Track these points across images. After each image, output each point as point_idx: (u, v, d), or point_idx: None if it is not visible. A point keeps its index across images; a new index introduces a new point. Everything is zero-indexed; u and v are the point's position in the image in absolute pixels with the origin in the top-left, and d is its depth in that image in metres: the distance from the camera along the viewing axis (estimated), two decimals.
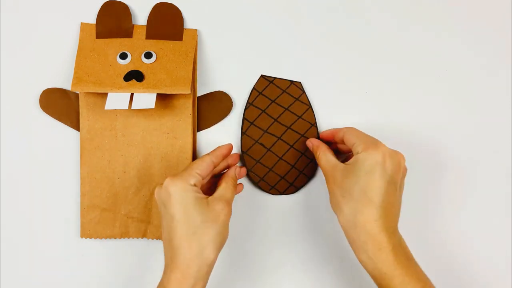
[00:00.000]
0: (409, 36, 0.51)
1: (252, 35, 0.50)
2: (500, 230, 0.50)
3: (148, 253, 0.49)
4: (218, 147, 0.46)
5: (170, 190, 0.41)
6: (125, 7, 0.49)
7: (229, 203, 0.43)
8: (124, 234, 0.49)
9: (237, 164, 0.48)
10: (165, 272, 0.41)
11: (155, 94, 0.46)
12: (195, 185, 0.42)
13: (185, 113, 0.49)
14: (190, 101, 0.49)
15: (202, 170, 0.43)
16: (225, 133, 0.50)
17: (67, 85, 0.49)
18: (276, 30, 0.50)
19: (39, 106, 0.48)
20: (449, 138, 0.50)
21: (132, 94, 0.46)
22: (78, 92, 0.48)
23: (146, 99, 0.46)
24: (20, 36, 0.49)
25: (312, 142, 0.48)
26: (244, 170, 0.48)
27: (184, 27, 0.49)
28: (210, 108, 0.50)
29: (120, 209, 0.48)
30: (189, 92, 0.46)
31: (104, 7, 0.48)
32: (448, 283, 0.49)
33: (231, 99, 0.50)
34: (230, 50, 0.50)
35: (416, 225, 0.50)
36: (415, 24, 0.51)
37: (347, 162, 0.43)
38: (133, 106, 0.45)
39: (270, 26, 0.50)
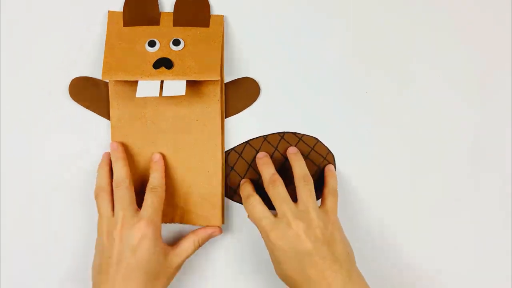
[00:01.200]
0: (409, 36, 0.50)
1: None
2: (500, 230, 0.51)
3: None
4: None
5: (146, 233, 0.43)
6: None
7: (185, 259, 0.47)
8: None
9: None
10: None
11: (185, 81, 0.46)
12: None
13: (214, 100, 0.49)
14: (218, 87, 0.49)
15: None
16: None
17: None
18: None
19: (69, 95, 0.49)
20: (449, 138, 0.50)
21: (162, 82, 0.46)
22: (107, 81, 0.49)
23: (176, 86, 0.46)
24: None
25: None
26: (218, 232, 0.49)
27: (210, 14, 0.49)
28: (238, 94, 0.50)
29: None
30: (218, 78, 0.46)
31: None
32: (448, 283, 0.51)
33: (258, 85, 0.50)
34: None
35: (415, 225, 0.51)
36: (415, 24, 0.50)
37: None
38: (164, 93, 0.45)
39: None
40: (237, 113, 0.50)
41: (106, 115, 0.49)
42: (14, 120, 0.49)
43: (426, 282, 0.51)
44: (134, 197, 0.46)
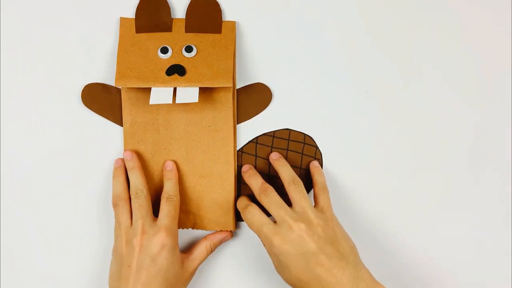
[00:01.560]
0: (409, 36, 0.50)
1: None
2: (500, 230, 0.51)
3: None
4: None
5: (166, 243, 0.44)
6: (164, 1, 0.48)
7: (199, 264, 0.48)
8: None
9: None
10: None
11: (198, 88, 0.46)
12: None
13: (226, 106, 0.49)
14: (231, 94, 0.49)
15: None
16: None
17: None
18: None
19: (81, 102, 0.49)
20: (449, 138, 0.51)
21: (174, 89, 0.46)
22: (119, 87, 0.49)
23: (189, 93, 0.46)
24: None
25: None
26: (229, 237, 0.50)
27: (222, 20, 0.49)
28: (250, 100, 0.50)
29: None
30: (231, 85, 0.46)
31: (143, 1, 0.48)
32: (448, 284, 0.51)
33: (270, 91, 0.50)
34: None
35: (415, 225, 0.51)
36: (415, 24, 0.50)
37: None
38: (177, 101, 0.46)
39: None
40: (249, 118, 0.50)
41: (119, 121, 0.49)
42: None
43: (426, 281, 0.51)
44: (151, 206, 0.46)
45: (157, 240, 0.44)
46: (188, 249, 0.48)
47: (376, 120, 0.50)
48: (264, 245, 0.46)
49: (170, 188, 0.47)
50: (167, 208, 0.46)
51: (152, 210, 0.46)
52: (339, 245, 0.43)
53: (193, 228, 0.50)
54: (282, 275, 0.45)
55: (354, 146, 0.51)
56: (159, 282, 0.43)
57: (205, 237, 0.49)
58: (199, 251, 0.48)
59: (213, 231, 0.50)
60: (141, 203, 0.46)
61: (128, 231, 0.45)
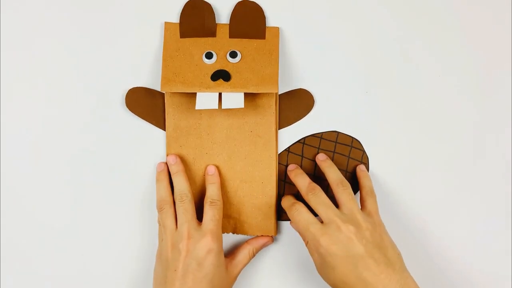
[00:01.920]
0: (409, 36, 0.50)
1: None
2: (500, 232, 0.51)
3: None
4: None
5: (212, 248, 0.44)
6: (208, 6, 0.49)
7: (242, 269, 0.48)
8: None
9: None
10: None
11: (243, 94, 0.46)
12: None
13: (268, 112, 0.49)
14: (273, 99, 0.49)
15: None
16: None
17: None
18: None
19: (125, 106, 0.49)
20: (449, 138, 0.51)
21: (220, 94, 0.47)
22: (163, 91, 0.49)
23: (234, 99, 0.46)
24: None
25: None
26: (270, 242, 0.50)
27: (266, 25, 0.49)
28: (291, 106, 0.50)
29: None
30: (277, 91, 0.47)
31: (187, 6, 0.49)
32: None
33: (312, 97, 0.50)
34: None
35: (415, 225, 0.51)
36: (415, 24, 0.50)
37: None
38: (223, 106, 0.46)
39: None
40: (290, 124, 0.50)
41: (162, 126, 0.50)
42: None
43: (427, 281, 0.51)
44: (195, 211, 0.47)
45: (204, 245, 0.44)
46: (230, 253, 0.49)
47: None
48: (307, 244, 0.46)
49: (213, 192, 0.48)
50: (211, 212, 0.46)
51: (196, 215, 0.47)
52: (386, 251, 0.43)
53: (233, 233, 0.50)
54: (325, 276, 0.45)
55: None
56: (205, 287, 0.43)
57: (247, 241, 0.49)
58: (242, 255, 0.48)
59: (254, 236, 0.50)
60: (186, 207, 0.46)
61: (173, 235, 0.45)
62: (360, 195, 0.48)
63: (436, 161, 0.51)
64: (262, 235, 0.50)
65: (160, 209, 0.46)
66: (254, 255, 0.49)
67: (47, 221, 0.50)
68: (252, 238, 0.49)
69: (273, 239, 0.50)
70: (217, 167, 0.49)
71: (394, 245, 0.45)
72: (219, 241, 0.45)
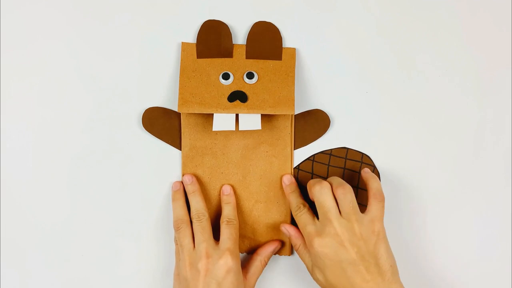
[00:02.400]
0: (409, 36, 0.50)
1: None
2: (500, 232, 0.51)
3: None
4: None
5: (231, 267, 0.44)
6: (225, 27, 0.49)
7: (257, 279, 0.48)
8: None
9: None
10: None
11: (260, 115, 0.46)
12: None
13: (284, 132, 0.49)
14: (289, 120, 0.49)
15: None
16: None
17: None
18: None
19: (141, 125, 0.49)
20: (449, 138, 0.51)
21: (236, 115, 0.47)
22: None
23: (251, 120, 0.46)
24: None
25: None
26: (279, 246, 0.50)
27: (282, 46, 0.49)
28: (307, 126, 0.50)
29: None
30: (293, 112, 0.47)
31: (204, 27, 0.49)
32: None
33: (328, 117, 0.50)
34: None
35: (415, 225, 0.51)
36: (415, 24, 0.50)
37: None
38: (241, 128, 0.46)
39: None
40: (306, 145, 0.50)
41: (178, 145, 0.50)
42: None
43: (426, 281, 0.51)
44: (211, 230, 0.47)
45: (223, 264, 0.44)
46: (243, 268, 0.48)
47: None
48: (297, 250, 0.47)
49: (229, 212, 0.48)
50: (228, 231, 0.46)
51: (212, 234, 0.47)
52: (379, 260, 0.43)
53: (247, 253, 0.50)
54: (315, 277, 0.45)
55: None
56: None
57: (256, 252, 0.49)
58: (254, 267, 0.48)
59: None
60: (204, 226, 0.46)
61: (191, 255, 0.45)
62: (368, 196, 0.46)
63: (436, 161, 0.51)
64: (269, 241, 0.50)
65: (177, 228, 0.47)
66: (266, 264, 0.49)
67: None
68: (261, 248, 0.49)
69: (281, 243, 0.50)
70: (232, 187, 0.50)
71: (390, 255, 0.45)
72: (238, 259, 0.45)
